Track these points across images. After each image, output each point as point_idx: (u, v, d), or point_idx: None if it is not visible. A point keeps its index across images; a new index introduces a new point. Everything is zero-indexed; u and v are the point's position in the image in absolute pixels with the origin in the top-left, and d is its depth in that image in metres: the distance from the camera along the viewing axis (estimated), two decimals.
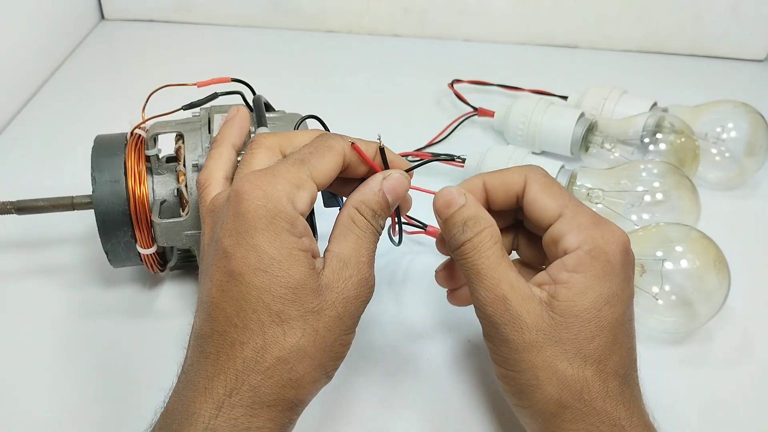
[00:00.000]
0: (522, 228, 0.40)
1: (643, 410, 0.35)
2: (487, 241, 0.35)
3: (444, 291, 0.49)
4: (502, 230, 0.37)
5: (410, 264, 0.52)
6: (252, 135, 0.42)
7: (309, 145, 0.35)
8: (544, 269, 0.37)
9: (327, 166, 0.35)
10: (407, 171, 0.37)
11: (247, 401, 0.31)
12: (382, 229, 0.36)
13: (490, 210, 0.37)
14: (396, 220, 0.40)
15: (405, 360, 0.45)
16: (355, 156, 0.36)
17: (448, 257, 0.41)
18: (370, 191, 0.36)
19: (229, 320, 0.31)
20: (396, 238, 0.41)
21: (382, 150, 0.37)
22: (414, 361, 0.45)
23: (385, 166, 0.37)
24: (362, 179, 0.37)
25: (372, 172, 0.37)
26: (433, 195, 0.37)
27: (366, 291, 0.34)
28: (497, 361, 0.36)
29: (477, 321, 0.47)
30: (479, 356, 0.45)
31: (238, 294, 0.31)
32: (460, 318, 0.48)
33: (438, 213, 0.37)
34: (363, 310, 0.35)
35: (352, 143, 0.36)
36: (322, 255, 0.35)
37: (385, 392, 0.43)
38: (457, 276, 0.41)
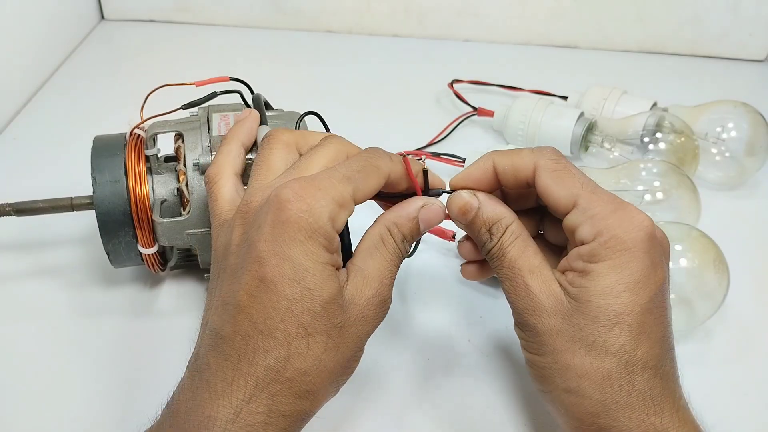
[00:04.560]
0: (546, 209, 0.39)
1: (681, 407, 0.33)
2: (509, 237, 0.35)
3: (446, 291, 0.50)
4: (526, 212, 0.38)
5: (411, 262, 0.52)
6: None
7: (357, 161, 0.34)
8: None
9: (370, 188, 0.34)
10: (442, 193, 0.37)
11: (265, 409, 0.31)
12: (407, 253, 0.36)
13: (509, 193, 0.38)
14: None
15: (405, 359, 0.45)
16: (400, 173, 0.36)
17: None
18: (406, 216, 0.36)
19: (254, 326, 0.31)
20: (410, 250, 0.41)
21: (425, 172, 0.37)
22: (413, 362, 0.45)
23: (425, 186, 0.37)
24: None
25: (409, 189, 0.37)
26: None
27: (383, 312, 0.35)
28: (525, 346, 0.36)
29: (477, 321, 0.47)
30: (479, 356, 0.45)
31: (268, 301, 0.31)
32: (462, 317, 0.48)
33: (458, 221, 0.37)
34: (375, 329, 0.35)
35: (404, 156, 0.36)
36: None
37: (383, 391, 0.43)
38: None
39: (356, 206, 0.34)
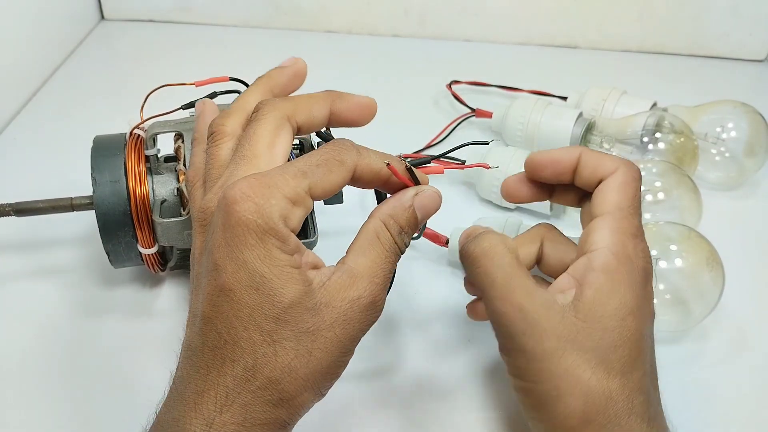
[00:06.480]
0: (548, 237, 0.39)
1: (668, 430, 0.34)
2: (499, 248, 0.35)
3: (442, 302, 0.49)
4: (530, 238, 0.38)
5: (404, 272, 0.51)
6: None
7: (318, 154, 0.32)
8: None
9: (331, 183, 0.32)
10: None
11: (239, 419, 0.29)
12: (406, 248, 0.34)
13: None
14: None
15: (404, 360, 0.45)
16: (368, 167, 0.33)
17: None
18: (401, 206, 0.33)
19: (220, 336, 0.30)
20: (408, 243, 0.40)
21: (410, 170, 0.34)
22: (413, 362, 0.45)
23: (415, 182, 0.35)
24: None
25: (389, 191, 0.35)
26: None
27: (372, 314, 0.32)
28: (514, 373, 0.34)
29: (475, 330, 0.47)
30: (479, 361, 0.45)
31: (230, 311, 0.30)
32: (461, 317, 0.48)
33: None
34: (365, 332, 0.32)
35: (388, 164, 0.33)
36: (327, 262, 0.33)
37: (383, 391, 0.43)
38: None
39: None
